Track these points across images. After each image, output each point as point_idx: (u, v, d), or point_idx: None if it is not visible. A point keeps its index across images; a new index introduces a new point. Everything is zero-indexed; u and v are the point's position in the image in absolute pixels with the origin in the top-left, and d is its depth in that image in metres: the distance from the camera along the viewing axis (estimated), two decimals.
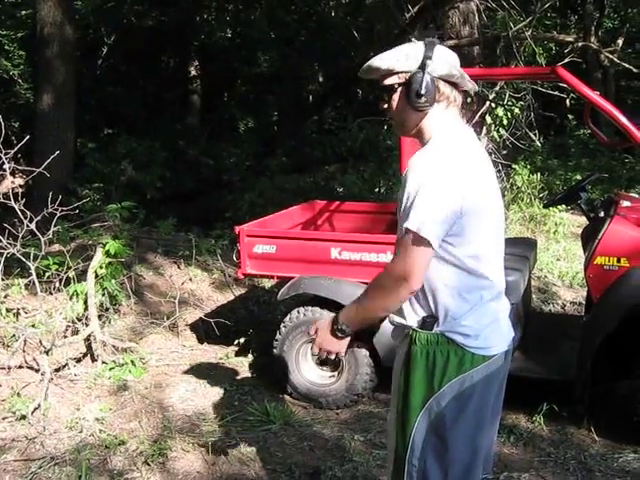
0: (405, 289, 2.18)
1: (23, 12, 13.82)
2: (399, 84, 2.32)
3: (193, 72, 16.59)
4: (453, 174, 2.18)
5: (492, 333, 2.30)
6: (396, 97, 2.35)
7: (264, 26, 14.46)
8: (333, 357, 2.45)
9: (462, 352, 2.26)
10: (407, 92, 2.29)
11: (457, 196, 2.17)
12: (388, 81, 2.35)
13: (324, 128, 15.66)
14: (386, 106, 2.40)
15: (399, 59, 2.30)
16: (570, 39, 11.47)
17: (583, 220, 5.51)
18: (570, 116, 16.13)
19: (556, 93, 9.43)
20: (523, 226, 8.81)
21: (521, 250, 4.76)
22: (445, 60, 2.30)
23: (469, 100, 8.76)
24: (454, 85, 2.35)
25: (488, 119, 9.20)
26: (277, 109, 17.70)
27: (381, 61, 2.34)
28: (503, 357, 2.36)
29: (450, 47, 2.48)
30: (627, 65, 10.66)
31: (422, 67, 2.25)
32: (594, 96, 4.10)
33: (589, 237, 4.41)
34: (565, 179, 11.30)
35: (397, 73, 2.32)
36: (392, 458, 2.42)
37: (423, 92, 2.25)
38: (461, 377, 2.26)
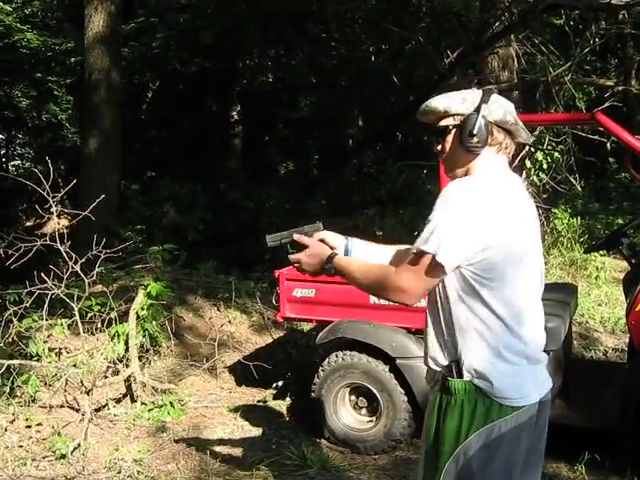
0: (401, 300, 2.29)
1: (72, 59, 14.21)
2: (454, 126, 2.37)
3: (235, 116, 16.85)
4: (485, 204, 2.20)
5: (522, 383, 2.26)
6: (449, 139, 2.39)
7: (305, 71, 14.66)
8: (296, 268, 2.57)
9: (490, 402, 2.23)
10: (460, 133, 2.33)
11: (484, 227, 2.18)
12: (443, 122, 2.40)
13: (364, 172, 15.75)
14: (439, 147, 2.44)
15: (456, 101, 2.36)
16: (610, 83, 11.41)
17: (625, 265, 5.45)
18: (611, 159, 15.97)
19: (596, 137, 9.38)
20: (564, 271, 8.70)
21: (562, 296, 4.71)
22: (501, 105, 2.35)
23: None
24: (508, 132, 2.39)
25: (528, 163, 9.17)
26: (317, 153, 17.85)
27: (438, 102, 2.39)
28: (536, 408, 2.30)
29: None
30: None
31: (477, 110, 2.31)
32: (634, 141, 4.08)
33: (631, 283, 4.35)
34: (606, 223, 11.16)
35: (453, 115, 2.36)
36: None
37: (475, 132, 2.29)
38: (488, 427, 2.23)
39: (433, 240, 2.18)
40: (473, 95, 2.36)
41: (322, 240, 2.66)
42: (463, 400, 2.26)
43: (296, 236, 2.58)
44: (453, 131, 2.37)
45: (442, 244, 2.17)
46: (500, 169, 2.37)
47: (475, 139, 2.30)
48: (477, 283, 2.22)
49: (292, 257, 2.55)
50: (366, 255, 2.71)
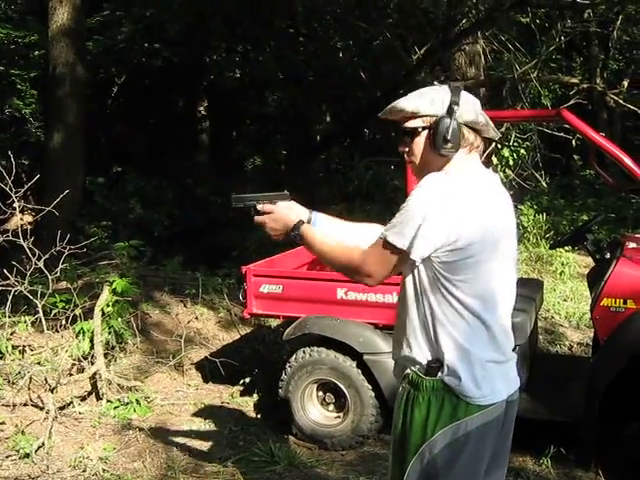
0: (364, 282, 2.33)
1: (36, 52, 13.98)
2: (423, 127, 2.30)
3: (202, 111, 16.75)
4: (458, 199, 2.18)
5: (490, 383, 2.25)
6: (419, 141, 2.33)
7: (272, 67, 14.60)
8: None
9: (457, 400, 2.22)
10: (433, 137, 2.27)
11: (455, 220, 2.15)
12: (411, 124, 2.33)
13: (331, 167, 15.73)
14: (407, 149, 2.37)
15: (424, 102, 2.29)
16: (575, 81, 11.56)
17: (590, 260, 5.51)
18: (576, 156, 16.17)
19: (562, 134, 9.50)
20: (529, 266, 8.78)
21: (527, 291, 4.74)
22: (472, 107, 2.31)
23: None
24: (477, 132, 2.34)
25: (494, 160, 9.25)
26: (284, 148, 17.80)
27: (406, 102, 2.32)
28: (503, 406, 2.29)
29: None
30: (632, 107, 10.73)
31: (449, 112, 2.24)
32: (599, 138, 4.12)
33: (595, 279, 4.40)
34: (571, 219, 11.28)
35: (422, 116, 2.30)
36: None
37: (450, 138, 2.23)
38: (454, 425, 2.21)
39: (402, 229, 2.19)
40: (442, 95, 2.29)
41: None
42: (430, 397, 2.24)
43: (260, 206, 2.61)
44: (423, 133, 2.31)
45: (411, 234, 2.17)
46: (474, 168, 2.34)
47: (450, 144, 2.24)
48: (448, 280, 2.20)
49: (257, 219, 2.61)
50: (330, 230, 2.66)
